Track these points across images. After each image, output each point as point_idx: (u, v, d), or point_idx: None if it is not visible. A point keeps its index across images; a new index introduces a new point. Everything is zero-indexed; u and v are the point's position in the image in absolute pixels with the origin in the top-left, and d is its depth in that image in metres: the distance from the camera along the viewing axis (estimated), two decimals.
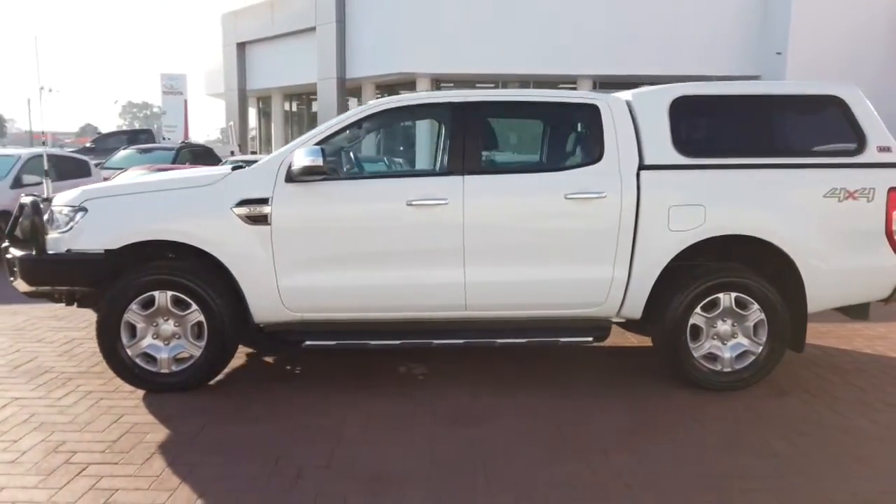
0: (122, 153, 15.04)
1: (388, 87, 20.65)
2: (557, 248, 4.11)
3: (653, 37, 18.11)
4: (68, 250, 3.97)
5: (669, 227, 4.09)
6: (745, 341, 4.23)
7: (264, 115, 27.77)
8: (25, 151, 10.55)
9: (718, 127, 4.46)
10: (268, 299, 4.02)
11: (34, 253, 3.96)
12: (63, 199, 4.16)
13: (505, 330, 4.21)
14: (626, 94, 4.37)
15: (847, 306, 4.63)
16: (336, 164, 4.35)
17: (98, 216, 4.00)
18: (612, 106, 4.23)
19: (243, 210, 3.94)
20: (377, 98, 18.95)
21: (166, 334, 4.02)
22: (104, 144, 20.39)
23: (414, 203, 3.98)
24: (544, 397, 4.10)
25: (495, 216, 4.08)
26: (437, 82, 20.00)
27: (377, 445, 3.43)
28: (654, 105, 4.25)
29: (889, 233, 4.21)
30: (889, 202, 4.19)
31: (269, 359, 4.81)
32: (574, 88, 19.75)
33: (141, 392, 4.04)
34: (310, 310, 4.09)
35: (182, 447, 3.36)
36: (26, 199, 4.03)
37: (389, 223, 4.03)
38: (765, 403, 4.06)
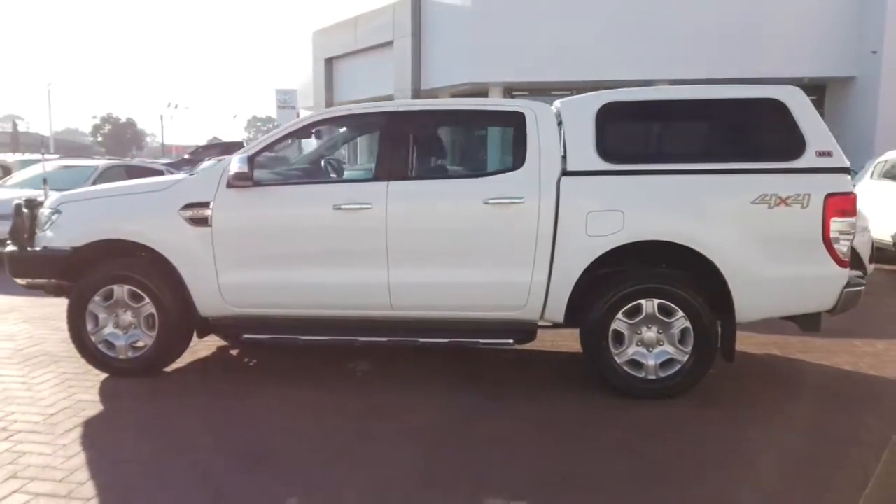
0: (204, 164, 16.21)
1: (462, 96, 21.00)
2: (479, 251, 4.22)
3: (734, 37, 17.42)
4: (44, 247, 4.53)
5: (587, 232, 4.12)
6: (670, 349, 4.17)
7: None
8: (103, 162, 11.75)
9: (647, 133, 4.43)
10: (210, 295, 4.40)
11: (16, 250, 4.55)
12: (48, 202, 4.74)
13: (431, 329, 4.37)
14: (557, 102, 4.43)
15: (798, 317, 4.46)
16: (275, 171, 4.68)
17: (68, 217, 4.53)
18: (537, 113, 4.31)
19: (188, 213, 4.35)
20: None
21: (125, 324, 4.49)
22: (202, 156, 21.97)
23: (340, 207, 4.24)
24: (468, 397, 4.22)
25: (417, 220, 4.26)
26: (510, 90, 20.13)
27: (276, 431, 3.70)
28: (581, 112, 4.29)
29: (827, 240, 4.03)
30: (826, 209, 4.01)
31: (234, 352, 5.21)
32: None
33: (105, 377, 4.52)
34: (247, 305, 4.43)
35: (101, 424, 3.77)
36: (18, 202, 4.63)
37: (317, 226, 4.31)
38: (678, 412, 3.99)
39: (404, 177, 4.31)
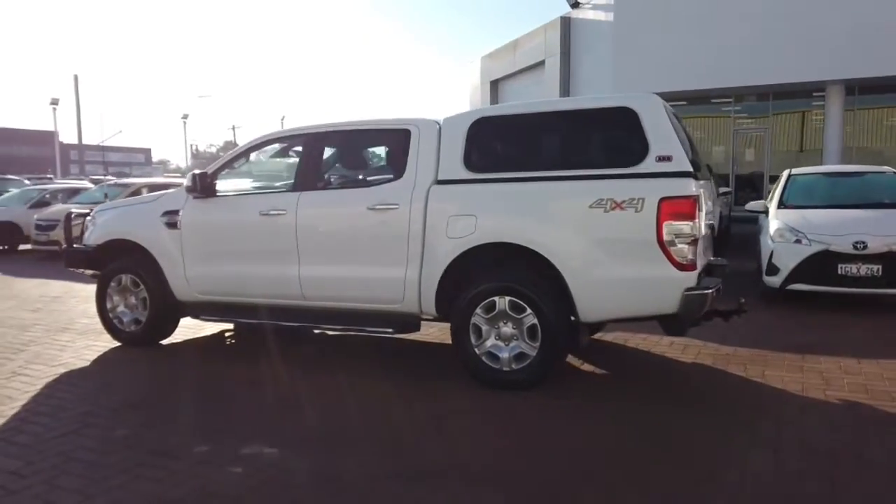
0: None
1: None
2: (365, 251, 4.90)
3: None
4: (83, 245, 6.05)
5: (447, 234, 4.61)
6: (522, 343, 4.49)
7: None
8: (141, 181, 14.74)
9: (509, 145, 4.75)
10: (180, 283, 5.57)
11: (66, 247, 6.13)
12: (93, 211, 6.28)
13: (335, 317, 5.12)
14: (441, 118, 4.95)
15: (662, 321, 4.52)
16: (234, 184, 5.69)
17: (96, 224, 6.01)
18: (421, 130, 4.88)
19: (165, 218, 5.57)
20: None
21: (130, 305, 5.83)
22: None
23: (265, 213, 5.18)
24: (378, 382, 4.79)
25: (319, 224, 5.05)
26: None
27: (186, 392, 4.72)
28: (456, 127, 4.79)
29: (661, 243, 4.11)
30: (660, 212, 4.11)
31: (230, 333, 6.36)
32: (822, 95, 17.84)
33: (109, 344, 5.89)
34: (206, 292, 5.52)
35: (58, 384, 4.90)
36: (68, 212, 6.22)
37: (249, 229, 5.28)
38: (529, 402, 4.31)
39: (312, 188, 5.14)
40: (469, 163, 4.67)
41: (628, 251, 4.22)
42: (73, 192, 15.61)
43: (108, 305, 5.89)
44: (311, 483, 3.20)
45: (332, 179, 5.39)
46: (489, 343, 4.58)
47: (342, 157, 5.56)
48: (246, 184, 5.78)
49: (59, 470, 3.34)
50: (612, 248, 4.25)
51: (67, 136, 48.30)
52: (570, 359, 5.24)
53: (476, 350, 4.59)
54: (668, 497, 3.03)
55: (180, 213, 5.51)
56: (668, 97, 18.43)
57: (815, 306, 7.28)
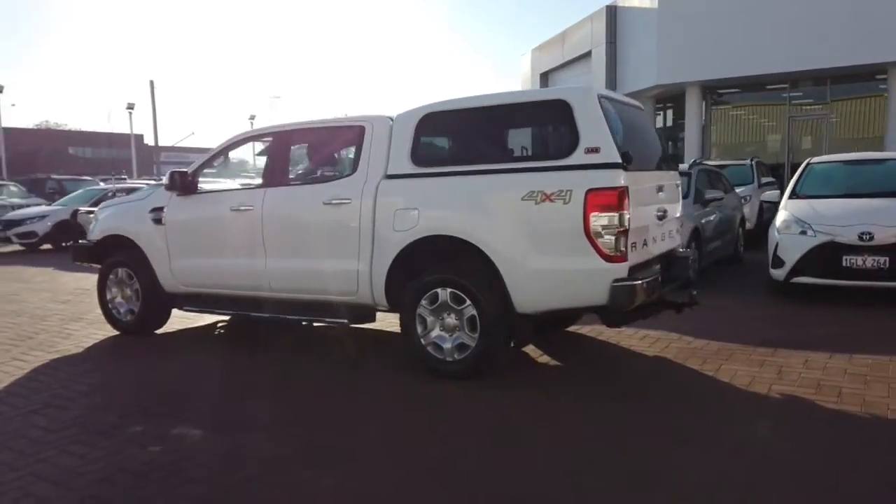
0: None
1: (657, 98, 20.44)
2: (322, 244, 5.08)
3: None
4: (88, 240, 6.50)
5: (394, 227, 4.73)
6: (463, 334, 4.57)
7: None
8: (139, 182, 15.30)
9: (452, 139, 4.83)
10: (167, 276, 5.91)
11: (73, 242, 6.59)
12: (98, 208, 6.72)
13: (298, 308, 5.32)
14: (395, 114, 5.07)
15: (599, 313, 4.52)
16: (214, 181, 6.00)
17: (97, 220, 6.44)
18: (375, 126, 5.02)
19: (152, 215, 5.92)
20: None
21: (126, 296, 6.22)
22: None
23: (235, 209, 5.44)
24: (339, 372, 5.02)
25: (280, 219, 5.26)
26: (711, 89, 19.06)
27: (154, 377, 5.05)
28: (406, 123, 4.90)
29: (588, 234, 4.11)
30: (587, 204, 4.11)
31: (222, 324, 6.68)
32: (884, 78, 16.89)
33: (110, 333, 6.30)
34: (189, 285, 5.84)
35: (45, 369, 5.30)
36: (74, 210, 6.69)
37: (219, 224, 5.55)
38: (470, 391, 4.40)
39: (277, 184, 5.36)
40: (415, 157, 4.77)
41: (558, 243, 4.23)
42: (129, 191, 16.56)
43: (108, 297, 6.31)
44: (215, 462, 3.40)
45: (294, 176, 5.60)
46: (434, 334, 4.67)
47: (307, 155, 5.78)
48: (228, 182, 6.07)
49: (2, 445, 3.68)
50: (543, 239, 4.27)
51: (149, 139, 50.87)
52: (532, 350, 5.28)
53: (422, 340, 4.70)
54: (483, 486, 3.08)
55: (165, 210, 5.85)
56: (717, 84, 18.00)
57: (823, 300, 7.02)
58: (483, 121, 4.75)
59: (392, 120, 5.01)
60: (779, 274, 7.27)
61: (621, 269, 4.14)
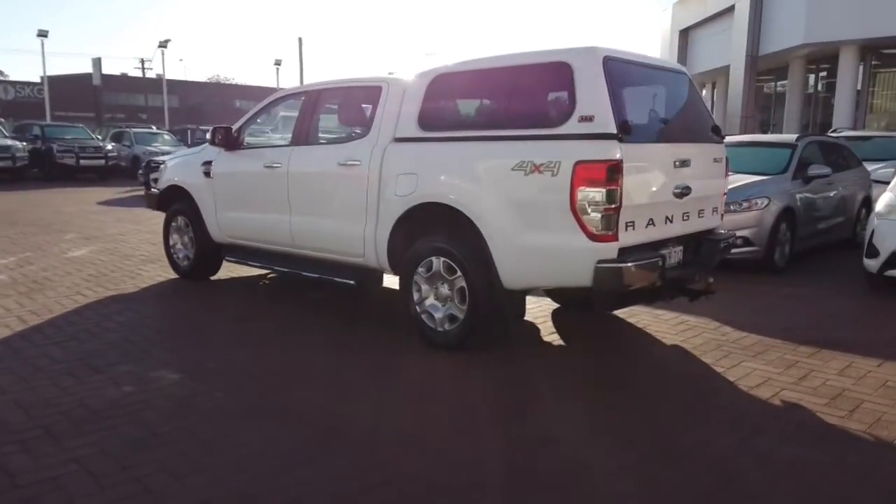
0: None
1: (806, 58, 18.42)
2: (336, 205, 5.11)
3: None
4: (156, 189, 6.98)
5: (396, 192, 4.66)
6: (453, 305, 4.44)
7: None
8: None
9: (458, 103, 4.59)
10: (213, 226, 6.23)
11: (147, 191, 7.11)
12: (167, 159, 7.18)
13: (320, 266, 5.40)
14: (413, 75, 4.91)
15: (590, 293, 4.19)
16: (250, 139, 6.14)
17: (163, 171, 6.88)
18: (390, 87, 4.92)
19: (203, 168, 6.23)
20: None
21: (184, 242, 6.64)
22: None
23: (268, 166, 5.60)
24: (344, 332, 5.17)
25: (302, 177, 5.34)
26: (872, 49, 16.87)
27: (183, 321, 5.38)
28: (418, 85, 4.75)
29: (574, 210, 3.81)
30: (574, 177, 3.80)
31: (271, 276, 6.96)
32: None
33: (172, 276, 6.78)
34: (232, 236, 6.12)
35: (97, 304, 5.82)
36: (148, 160, 7.18)
37: (255, 179, 5.73)
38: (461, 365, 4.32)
39: (303, 142, 5.43)
40: (421, 121, 4.63)
41: (545, 218, 3.97)
42: None
43: (171, 242, 6.77)
44: (170, 407, 3.57)
45: (318, 136, 5.63)
46: (428, 302, 4.58)
47: (330, 114, 5.78)
48: (272, 138, 6.25)
49: (8, 371, 4.09)
50: (531, 213, 4.02)
51: None
52: (547, 326, 5.06)
53: (417, 308, 4.63)
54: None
55: (213, 164, 6.13)
56: (880, 44, 16.15)
57: None
58: (487, 84, 4.51)
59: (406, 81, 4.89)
60: (872, 265, 6.40)
61: (608, 250, 3.81)
